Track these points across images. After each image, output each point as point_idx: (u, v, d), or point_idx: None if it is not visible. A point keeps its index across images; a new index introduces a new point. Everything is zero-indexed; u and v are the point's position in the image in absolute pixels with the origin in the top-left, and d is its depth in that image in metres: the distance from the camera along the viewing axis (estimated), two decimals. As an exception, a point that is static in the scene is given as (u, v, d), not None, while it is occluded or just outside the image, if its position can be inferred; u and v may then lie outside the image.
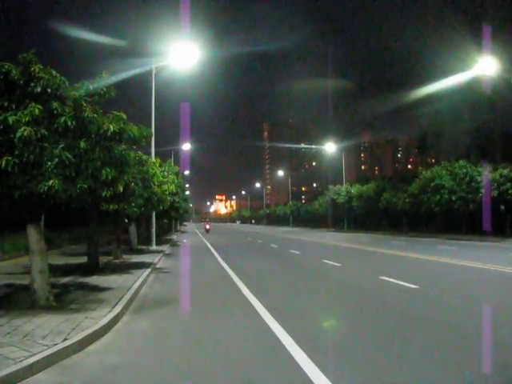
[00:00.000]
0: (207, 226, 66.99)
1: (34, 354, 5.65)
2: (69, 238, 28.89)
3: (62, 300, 9.27)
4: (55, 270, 13.31)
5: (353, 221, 68.07)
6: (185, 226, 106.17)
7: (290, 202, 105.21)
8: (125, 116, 9.14)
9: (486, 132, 41.64)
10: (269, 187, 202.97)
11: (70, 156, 7.75)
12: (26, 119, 7.46)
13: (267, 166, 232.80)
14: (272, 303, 9.69)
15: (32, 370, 5.35)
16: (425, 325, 7.87)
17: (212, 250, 27.86)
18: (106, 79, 9.16)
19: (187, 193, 66.77)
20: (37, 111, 7.54)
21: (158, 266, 17.81)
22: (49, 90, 7.99)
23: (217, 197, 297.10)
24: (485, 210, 33.15)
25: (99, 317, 7.81)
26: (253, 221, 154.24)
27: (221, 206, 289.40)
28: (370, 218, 60.55)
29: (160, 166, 24.40)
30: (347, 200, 63.99)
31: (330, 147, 75.00)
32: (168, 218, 41.49)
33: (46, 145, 7.75)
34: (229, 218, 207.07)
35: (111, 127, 8.43)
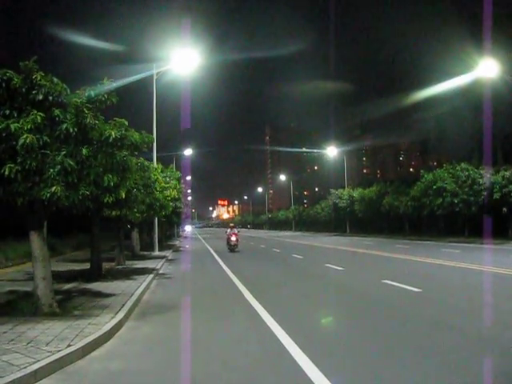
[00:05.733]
0: (233, 238, 30.82)
1: (38, 361, 5.66)
2: (71, 245, 28.92)
3: (66, 306, 9.28)
4: (58, 277, 13.33)
5: (355, 224, 67.88)
6: (184, 231, 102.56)
7: (292, 207, 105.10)
8: (126, 122, 9.18)
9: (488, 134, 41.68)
10: (271, 191, 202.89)
11: (72, 163, 7.78)
12: (28, 126, 7.50)
13: (269, 171, 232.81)
14: (275, 308, 9.69)
15: (36, 376, 5.37)
16: (428, 328, 7.87)
17: (214, 255, 27.84)
18: (108, 85, 9.20)
19: (189, 198, 66.77)
20: (39, 118, 7.58)
21: (160, 272, 17.81)
22: (50, 98, 8.05)
23: (219, 202, 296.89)
24: (486, 212, 33.07)
25: (102, 323, 7.83)
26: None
27: (223, 211, 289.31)
28: (372, 221, 60.40)
29: (162, 171, 24.46)
30: (349, 204, 63.91)
31: (331, 151, 75.10)
32: (169, 222, 41.28)
33: (48, 152, 7.79)
34: (231, 223, 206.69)
35: (113, 133, 8.48)
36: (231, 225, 34.28)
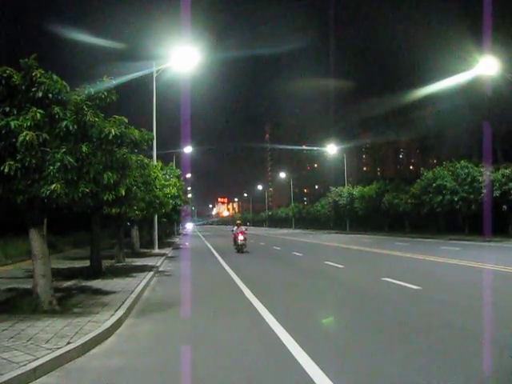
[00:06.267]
0: (240, 237, 27.19)
1: (38, 358, 5.66)
2: (71, 242, 28.95)
3: (65, 304, 9.28)
4: (58, 274, 13.34)
5: (355, 222, 67.98)
6: (185, 229, 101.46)
7: (292, 204, 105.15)
8: (126, 120, 9.17)
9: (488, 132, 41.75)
10: (271, 189, 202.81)
11: (71, 160, 7.77)
12: (28, 124, 7.49)
13: (269, 168, 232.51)
14: (275, 306, 9.69)
15: (35, 373, 5.36)
16: (427, 326, 7.87)
17: (214, 252, 27.87)
18: (107, 83, 9.20)
19: (189, 195, 66.65)
20: (38, 116, 7.58)
21: (160, 269, 17.82)
22: (50, 95, 8.04)
23: (219, 199, 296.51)
24: (486, 210, 33.07)
25: (102, 320, 7.83)
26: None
27: (223, 209, 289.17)
28: (372, 219, 60.44)
29: (162, 169, 24.45)
30: (349, 201, 63.94)
31: (331, 149, 75.04)
32: (169, 220, 41.10)
33: (47, 149, 7.78)
34: (231, 221, 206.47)
35: (112, 131, 8.47)
36: (238, 222, 29.90)
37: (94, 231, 14.82)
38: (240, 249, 26.88)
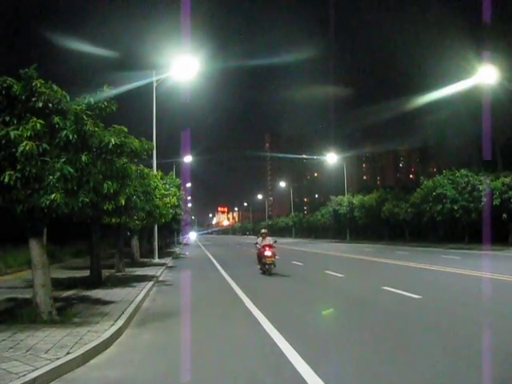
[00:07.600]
0: (267, 253, 18.47)
1: (37, 369, 5.64)
2: (71, 252, 28.87)
3: (65, 314, 9.23)
4: (58, 284, 13.30)
5: (355, 231, 67.93)
6: (185, 238, 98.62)
7: (292, 213, 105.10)
8: (126, 129, 9.19)
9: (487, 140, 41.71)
10: (271, 198, 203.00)
11: (71, 170, 7.78)
12: (28, 134, 7.51)
13: (269, 178, 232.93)
14: (274, 316, 9.66)
15: (35, 384, 5.34)
16: (427, 335, 7.84)
17: (215, 262, 27.79)
18: (107, 93, 9.22)
19: (189, 205, 66.65)
20: (38, 126, 7.60)
21: (160, 279, 17.78)
22: (50, 105, 8.07)
23: (219, 208, 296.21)
24: (486, 218, 33.02)
25: (102, 330, 7.80)
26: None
27: (223, 218, 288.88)
28: (372, 228, 60.41)
29: (161, 178, 24.45)
30: (349, 210, 63.87)
31: (331, 158, 75.06)
32: (169, 229, 40.98)
33: (47, 159, 7.79)
34: (231, 230, 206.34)
35: (112, 140, 8.49)
36: (263, 231, 20.47)
37: (93, 241, 14.80)
38: (266, 269, 18.65)
